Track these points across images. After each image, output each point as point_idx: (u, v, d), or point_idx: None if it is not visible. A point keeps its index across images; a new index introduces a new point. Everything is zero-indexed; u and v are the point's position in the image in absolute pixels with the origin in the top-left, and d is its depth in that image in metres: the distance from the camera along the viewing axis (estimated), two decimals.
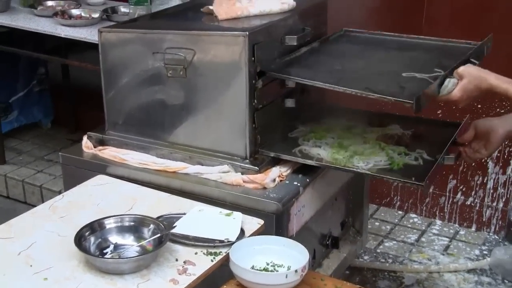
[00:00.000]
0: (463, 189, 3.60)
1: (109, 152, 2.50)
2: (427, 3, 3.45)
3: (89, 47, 3.24)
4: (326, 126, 2.58)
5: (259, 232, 2.00)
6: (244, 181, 2.27)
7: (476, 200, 3.59)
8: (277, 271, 1.83)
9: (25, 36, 3.65)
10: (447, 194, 3.64)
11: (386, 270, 3.27)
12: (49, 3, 3.94)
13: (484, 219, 3.60)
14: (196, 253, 1.86)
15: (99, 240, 1.88)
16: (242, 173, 2.30)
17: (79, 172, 2.49)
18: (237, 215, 2.03)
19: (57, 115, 4.81)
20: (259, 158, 2.34)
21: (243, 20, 2.47)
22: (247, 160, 2.31)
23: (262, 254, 1.88)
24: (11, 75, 4.48)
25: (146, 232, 1.90)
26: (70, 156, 2.56)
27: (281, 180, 2.31)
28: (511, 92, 1.97)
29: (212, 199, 2.26)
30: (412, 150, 2.37)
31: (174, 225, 1.94)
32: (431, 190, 3.68)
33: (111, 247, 1.88)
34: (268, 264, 1.86)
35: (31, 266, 1.79)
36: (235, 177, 2.28)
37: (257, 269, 1.82)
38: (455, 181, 3.60)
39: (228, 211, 2.06)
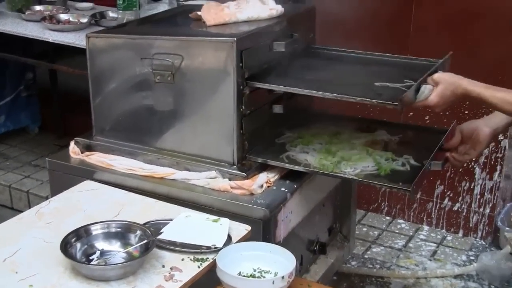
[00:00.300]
0: (450, 195, 3.61)
1: (96, 158, 2.50)
2: (415, 11, 3.46)
3: (78, 52, 3.22)
4: (314, 132, 2.58)
5: (246, 238, 2.00)
6: (231, 187, 2.28)
7: (463, 206, 3.60)
8: (264, 277, 1.83)
9: (12, 40, 3.63)
10: (435, 199, 3.66)
11: (374, 275, 3.28)
12: (37, 8, 3.92)
13: (471, 225, 3.61)
14: (183, 259, 1.85)
15: (85, 246, 1.87)
16: (230, 179, 2.30)
17: (66, 177, 2.48)
18: (224, 221, 2.03)
19: (45, 121, 4.79)
20: (246, 164, 2.34)
21: (231, 26, 2.47)
22: (235, 166, 2.31)
23: (249, 260, 1.88)
24: None
25: (133, 238, 1.90)
26: (57, 162, 2.56)
27: (268, 186, 2.31)
28: (484, 95, 2.04)
29: (199, 205, 2.26)
30: (399, 156, 2.38)
31: (161, 231, 1.93)
32: (418, 196, 3.69)
33: (98, 253, 1.87)
34: (255, 271, 1.85)
35: (16, 272, 1.78)
36: (223, 183, 2.28)
37: (244, 276, 1.82)
38: (442, 187, 3.61)
39: (215, 217, 2.05)
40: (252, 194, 2.26)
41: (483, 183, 3.51)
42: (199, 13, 2.53)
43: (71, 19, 3.70)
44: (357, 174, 2.26)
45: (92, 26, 3.55)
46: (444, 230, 3.69)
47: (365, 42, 3.27)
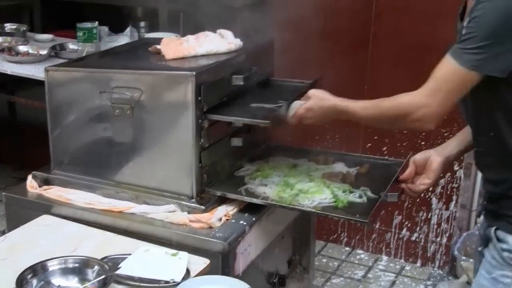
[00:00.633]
0: (408, 225, 3.66)
1: (54, 192, 2.48)
2: (372, 44, 3.54)
3: (37, 83, 3.22)
4: (273, 164, 2.61)
5: (205, 272, 2.00)
6: (190, 221, 2.28)
7: (421, 236, 3.65)
8: None
9: None
10: (393, 230, 3.70)
11: None
12: None
13: (428, 255, 3.66)
14: None
15: (42, 282, 1.85)
16: (189, 212, 2.30)
17: (23, 212, 2.46)
18: (183, 255, 2.03)
19: (3, 153, 4.74)
20: (205, 197, 2.35)
21: (190, 60, 2.49)
22: (194, 200, 2.32)
23: None
24: None
25: (91, 274, 1.88)
26: (14, 196, 2.53)
27: (227, 219, 2.32)
28: (351, 108, 2.12)
29: (158, 238, 2.26)
30: (357, 188, 2.41)
31: (119, 266, 1.93)
32: (377, 226, 3.73)
33: None
34: None
35: None
36: (181, 217, 2.28)
37: None
38: (400, 217, 3.66)
39: (174, 251, 2.05)
40: (210, 227, 2.27)
41: (440, 213, 3.57)
42: (158, 46, 2.55)
43: (30, 51, 3.69)
44: (315, 206, 2.29)
45: (51, 58, 3.55)
46: (402, 260, 3.73)
47: (325, 72, 3.33)
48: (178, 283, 1.87)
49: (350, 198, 2.34)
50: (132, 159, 2.39)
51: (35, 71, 3.34)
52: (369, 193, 2.38)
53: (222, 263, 2.19)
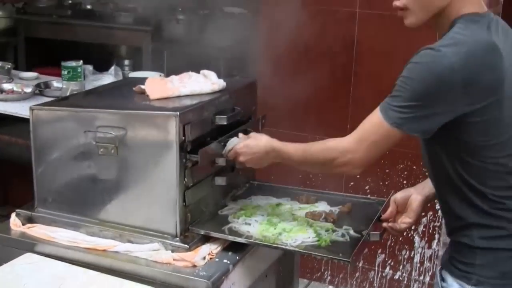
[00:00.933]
0: (391, 263, 3.68)
1: (37, 230, 2.48)
2: (353, 86, 3.60)
3: (21, 120, 3.23)
4: (256, 203, 2.62)
5: None
6: (174, 259, 2.28)
7: (404, 274, 3.67)
8: None
9: None
10: (376, 268, 3.72)
11: None
12: None
13: None
14: None
15: None
16: (173, 251, 2.30)
17: (6, 250, 2.44)
18: None
19: None
20: (189, 236, 2.35)
21: (174, 100, 2.51)
22: (177, 238, 2.32)
23: None
24: None
25: None
26: None
27: (211, 258, 2.32)
28: (285, 149, 2.22)
29: (142, 277, 2.25)
30: (339, 227, 2.43)
31: None
32: (360, 265, 3.74)
33: None
34: None
35: None
36: (165, 255, 2.29)
37: None
38: (383, 256, 3.68)
39: None
40: (194, 266, 2.27)
41: (423, 251, 3.60)
42: (142, 86, 2.57)
43: (14, 88, 3.71)
44: (298, 245, 2.30)
45: (36, 96, 3.57)
46: None
47: (308, 112, 3.37)
48: None
49: (333, 237, 2.36)
50: (116, 198, 2.40)
51: (20, 109, 3.35)
52: (352, 232, 2.40)
53: None
